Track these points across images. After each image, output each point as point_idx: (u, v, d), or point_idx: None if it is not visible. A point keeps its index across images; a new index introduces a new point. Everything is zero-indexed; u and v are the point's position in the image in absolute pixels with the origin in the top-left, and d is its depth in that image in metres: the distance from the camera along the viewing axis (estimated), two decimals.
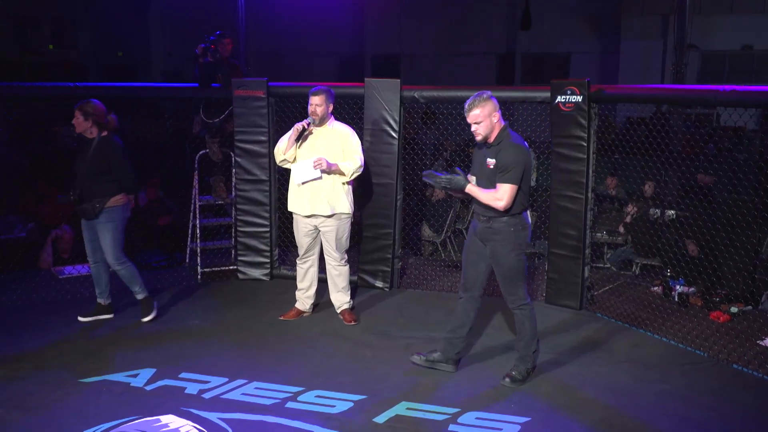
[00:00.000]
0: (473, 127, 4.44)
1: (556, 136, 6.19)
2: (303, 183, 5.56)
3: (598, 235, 7.58)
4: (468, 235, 4.81)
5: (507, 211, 4.45)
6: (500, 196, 4.38)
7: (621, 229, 7.81)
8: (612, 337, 5.62)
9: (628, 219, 7.72)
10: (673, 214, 7.26)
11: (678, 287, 6.46)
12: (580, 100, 5.97)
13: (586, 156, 6.01)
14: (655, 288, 6.75)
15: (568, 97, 6.01)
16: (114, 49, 21.54)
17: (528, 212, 4.64)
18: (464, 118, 6.76)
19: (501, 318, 6.01)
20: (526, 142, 4.54)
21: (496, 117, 4.43)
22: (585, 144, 6.00)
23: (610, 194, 8.46)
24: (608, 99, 6.15)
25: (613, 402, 4.48)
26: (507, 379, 4.68)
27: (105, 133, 5.64)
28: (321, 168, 5.45)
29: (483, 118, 4.40)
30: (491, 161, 4.45)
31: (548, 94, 6.17)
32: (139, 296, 5.85)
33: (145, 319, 5.82)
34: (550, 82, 6.20)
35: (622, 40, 18.61)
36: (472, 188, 4.48)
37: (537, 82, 17.22)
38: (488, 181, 4.48)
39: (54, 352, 5.17)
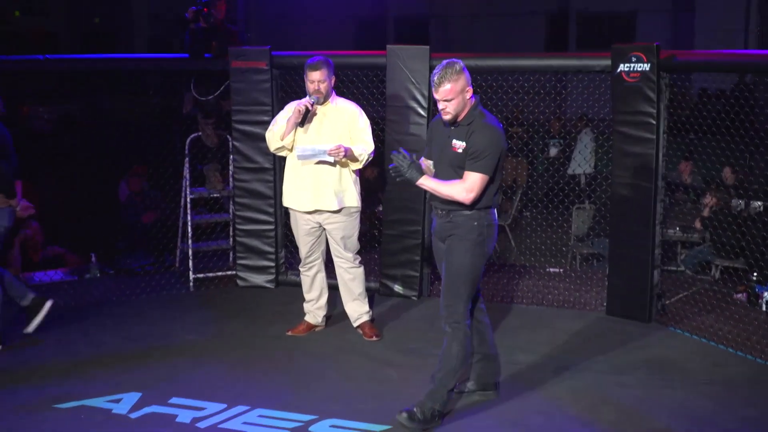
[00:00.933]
0: (442, 105, 4.33)
1: (618, 112, 6.14)
2: (305, 158, 5.47)
3: (670, 231, 7.52)
4: (432, 240, 4.72)
5: (472, 205, 4.35)
6: (470, 186, 4.27)
7: (697, 225, 7.73)
8: (687, 355, 5.58)
9: (706, 212, 7.64)
10: (760, 206, 7.18)
11: (766, 294, 6.39)
12: (647, 69, 5.91)
13: (655, 136, 5.96)
14: (739, 295, 6.68)
15: (633, 65, 5.96)
16: (90, 14, 21.74)
17: (496, 211, 4.51)
18: (506, 91, 6.83)
19: (546, 330, 5.99)
20: (501, 124, 4.44)
21: (469, 93, 4.35)
22: (654, 122, 5.95)
23: (685, 182, 8.39)
24: (682, 67, 6.09)
25: (690, 430, 4.44)
26: (404, 414, 4.37)
27: None
28: (338, 158, 5.44)
29: (455, 94, 4.29)
30: (459, 144, 4.35)
31: (609, 62, 6.12)
32: None
33: None
34: (611, 47, 6.15)
35: None
36: (427, 182, 4.36)
37: (595, 47, 17.00)
38: (451, 168, 4.38)
39: (24, 372, 5.24)
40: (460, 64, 4.35)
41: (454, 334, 4.43)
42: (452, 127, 4.42)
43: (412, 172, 4.35)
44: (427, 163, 4.57)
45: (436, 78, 4.31)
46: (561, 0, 20.44)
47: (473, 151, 4.31)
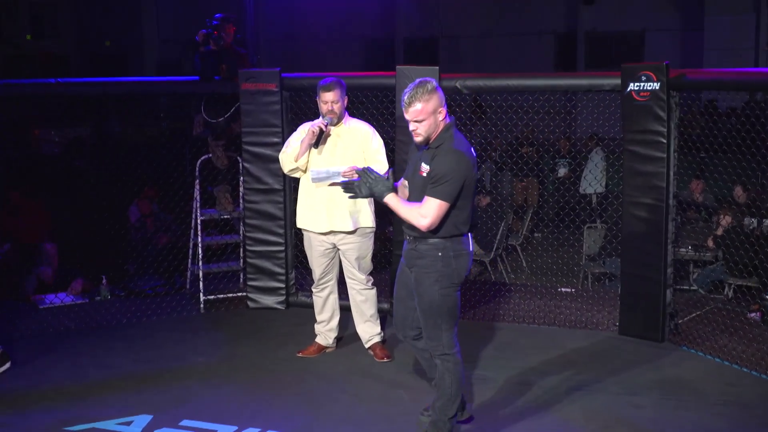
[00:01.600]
0: (413, 126, 4.20)
1: (629, 131, 6.15)
2: (319, 180, 5.46)
3: (683, 250, 7.50)
4: (400, 262, 4.60)
5: (435, 232, 4.22)
6: (425, 212, 4.14)
7: (710, 244, 7.71)
8: (701, 375, 5.54)
9: (719, 231, 7.62)
10: None
11: None
12: (657, 88, 5.92)
13: (665, 155, 5.96)
14: (753, 314, 6.65)
15: (642, 84, 5.97)
16: (101, 37, 21.94)
17: (470, 237, 4.39)
18: (516, 111, 6.85)
19: (559, 350, 5.97)
20: (472, 148, 4.34)
21: (442, 114, 4.21)
22: (664, 141, 5.95)
23: (696, 201, 8.37)
24: (692, 86, 6.09)
25: None
26: None
27: None
28: (351, 179, 5.43)
29: (426, 115, 4.16)
30: (425, 167, 4.22)
31: (618, 81, 6.13)
32: None
33: None
34: (621, 66, 6.17)
35: (707, 14, 18.42)
36: (393, 199, 4.21)
37: (605, 66, 17.06)
38: (419, 192, 4.26)
39: (36, 396, 5.25)
40: (433, 83, 4.21)
41: (444, 366, 4.39)
42: (424, 150, 4.30)
43: (377, 187, 4.20)
44: (404, 184, 4.49)
45: (406, 97, 4.18)
46: (569, 20, 20.54)
47: (434, 175, 4.15)
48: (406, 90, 4.21)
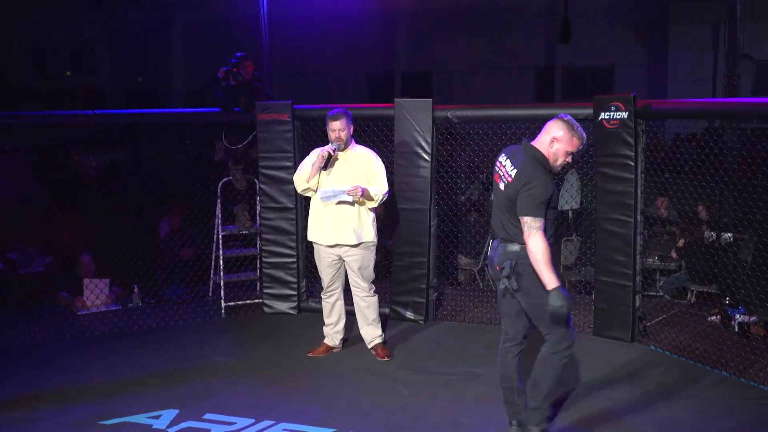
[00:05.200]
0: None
1: (600, 155, 6.15)
2: (327, 199, 5.51)
3: (650, 260, 7.49)
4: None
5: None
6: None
7: (673, 255, 7.70)
8: (668, 371, 5.52)
9: (680, 243, 7.61)
10: (730, 237, 7.14)
11: (738, 316, 6.33)
12: (625, 117, 5.94)
13: (633, 176, 5.96)
14: (713, 317, 6.63)
15: (612, 113, 5.98)
16: (134, 72, 22.00)
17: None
18: (500, 138, 6.85)
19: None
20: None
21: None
22: (632, 163, 5.96)
23: (661, 216, 8.36)
24: (656, 115, 6.10)
25: None
26: None
27: None
28: (356, 197, 5.47)
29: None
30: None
31: (591, 111, 6.14)
32: None
33: None
34: (593, 97, 6.18)
35: (670, 50, 18.45)
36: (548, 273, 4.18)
37: (579, 97, 17.09)
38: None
39: (73, 393, 5.23)
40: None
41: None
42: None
43: (555, 299, 4.29)
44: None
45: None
46: (548, 56, 20.58)
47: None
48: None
